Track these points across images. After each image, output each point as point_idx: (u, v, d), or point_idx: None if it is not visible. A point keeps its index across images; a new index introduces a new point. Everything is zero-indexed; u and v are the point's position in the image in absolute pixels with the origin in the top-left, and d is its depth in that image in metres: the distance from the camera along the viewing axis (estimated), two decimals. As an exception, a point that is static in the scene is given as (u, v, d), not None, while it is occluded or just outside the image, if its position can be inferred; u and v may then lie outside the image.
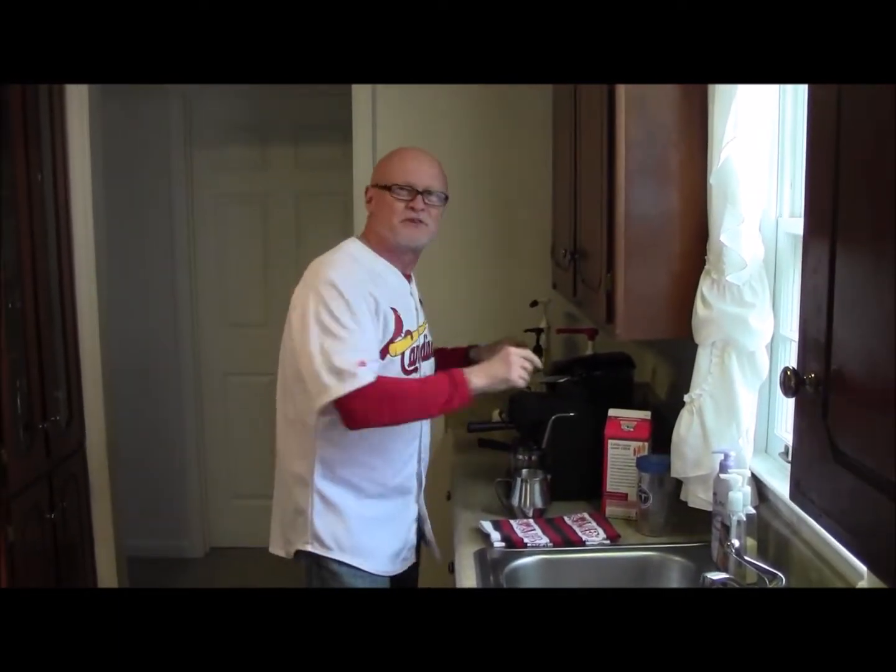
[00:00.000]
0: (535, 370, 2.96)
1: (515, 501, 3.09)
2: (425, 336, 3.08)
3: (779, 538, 2.50)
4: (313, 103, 5.69)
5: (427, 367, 3.06)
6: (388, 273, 2.94)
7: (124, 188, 5.56)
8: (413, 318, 2.98)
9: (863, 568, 1.90)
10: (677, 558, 2.73)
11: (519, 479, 3.11)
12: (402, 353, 2.90)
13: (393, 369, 2.86)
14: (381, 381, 2.71)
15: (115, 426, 4.90)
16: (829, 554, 2.19)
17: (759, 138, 2.47)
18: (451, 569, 2.99)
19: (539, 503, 3.09)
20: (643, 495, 2.91)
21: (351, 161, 4.68)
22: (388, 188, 2.88)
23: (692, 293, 2.64)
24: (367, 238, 2.99)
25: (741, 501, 2.44)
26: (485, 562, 2.75)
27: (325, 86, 5.28)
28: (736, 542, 2.36)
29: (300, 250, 5.69)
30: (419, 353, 3.00)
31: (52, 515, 4.08)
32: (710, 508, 2.62)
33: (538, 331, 4.38)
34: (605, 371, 3.67)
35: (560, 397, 3.45)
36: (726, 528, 2.43)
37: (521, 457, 3.20)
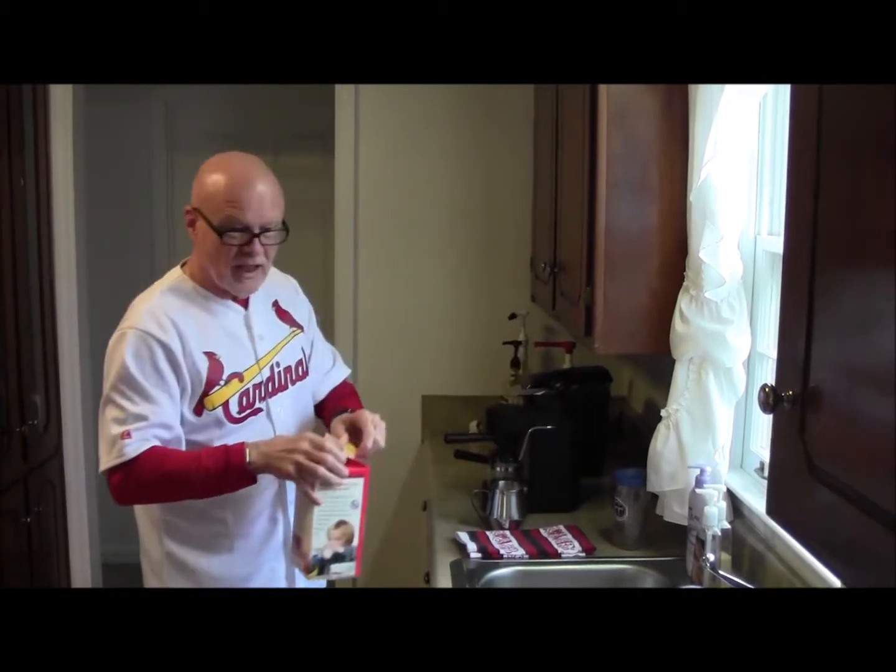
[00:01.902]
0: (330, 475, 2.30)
1: (492, 513, 3.10)
2: (276, 365, 2.58)
3: (753, 553, 2.52)
4: (294, 112, 5.71)
5: (288, 400, 2.60)
6: (211, 309, 2.51)
7: (106, 194, 5.54)
8: (246, 352, 2.52)
9: (837, 583, 1.92)
10: (652, 572, 2.75)
11: (496, 491, 3.12)
12: (226, 402, 2.45)
13: (215, 424, 2.45)
14: (147, 456, 2.33)
15: (93, 431, 4.88)
16: (802, 569, 2.21)
17: (740, 157, 2.50)
18: (427, 579, 3.00)
19: (515, 515, 3.10)
20: (619, 508, 2.92)
21: (331, 170, 4.69)
22: (216, 228, 2.37)
23: (671, 308, 2.67)
24: (192, 266, 2.54)
25: (716, 516, 2.46)
26: (461, 572, 2.77)
27: (305, 95, 5.29)
28: (711, 557, 2.38)
29: (280, 259, 5.66)
30: (262, 391, 2.52)
31: (28, 520, 4.07)
32: (685, 523, 2.64)
33: (516, 343, 4.40)
34: (583, 384, 3.70)
35: (537, 410, 3.47)
36: (701, 543, 2.45)
37: (497, 468, 3.21)
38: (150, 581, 2.61)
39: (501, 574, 2.78)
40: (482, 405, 3.82)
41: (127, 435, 2.32)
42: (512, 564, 2.82)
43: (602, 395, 3.77)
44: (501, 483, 3.14)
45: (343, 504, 2.34)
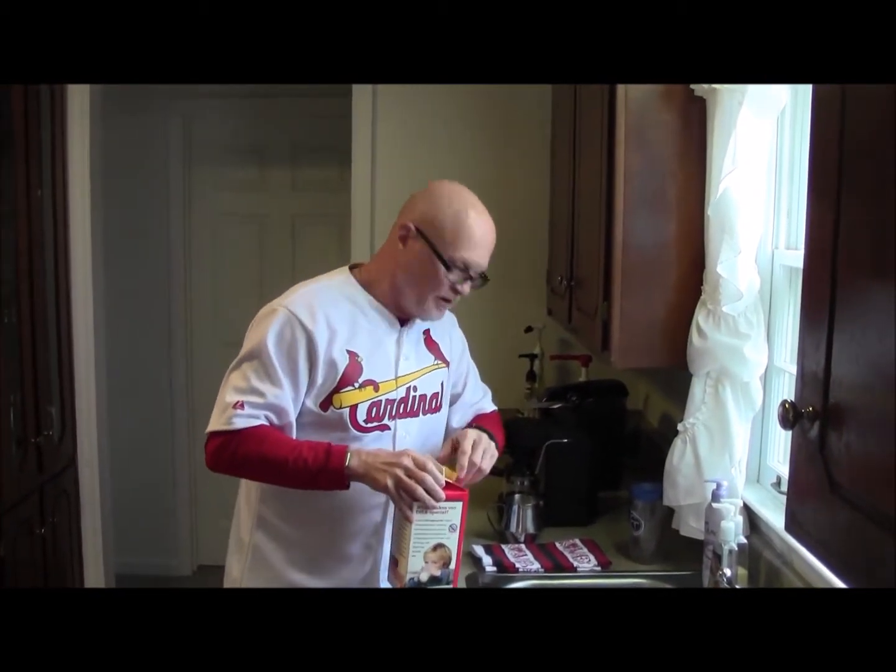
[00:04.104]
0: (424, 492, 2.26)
1: (508, 526, 3.10)
2: (413, 388, 2.56)
3: (770, 568, 2.51)
4: (311, 125, 5.73)
5: (415, 428, 2.57)
6: (368, 314, 2.51)
7: (122, 206, 5.56)
8: (388, 365, 2.51)
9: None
10: (668, 586, 2.74)
11: (512, 505, 3.12)
12: (355, 406, 2.45)
13: (339, 425, 2.44)
14: (251, 432, 2.36)
15: (108, 443, 4.90)
16: (819, 584, 2.20)
17: (757, 170, 2.49)
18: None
19: (531, 528, 3.10)
20: (635, 522, 2.92)
21: (348, 184, 4.70)
22: (445, 261, 2.42)
23: (687, 323, 2.66)
24: (369, 273, 2.57)
25: (733, 531, 2.45)
26: (476, 586, 2.77)
27: (322, 107, 5.31)
28: (727, 571, 2.37)
29: (296, 271, 5.70)
30: (393, 408, 2.51)
31: (43, 531, 4.08)
32: (701, 537, 2.63)
33: (532, 356, 4.40)
34: (599, 398, 3.69)
35: (554, 423, 3.47)
36: (718, 557, 2.44)
37: (514, 482, 3.20)
38: (232, 562, 2.67)
39: (517, 588, 2.77)
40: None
41: (240, 405, 2.36)
42: (527, 578, 2.81)
43: (618, 408, 3.76)
44: (517, 496, 3.13)
45: (441, 527, 2.32)
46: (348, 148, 4.67)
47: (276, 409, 2.40)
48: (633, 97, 2.65)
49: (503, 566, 2.86)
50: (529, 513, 3.11)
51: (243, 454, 2.37)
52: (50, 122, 4.24)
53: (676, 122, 2.68)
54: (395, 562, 2.39)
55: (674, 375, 3.22)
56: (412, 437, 2.54)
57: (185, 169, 5.93)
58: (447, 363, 2.69)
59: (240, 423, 2.36)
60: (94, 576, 4.75)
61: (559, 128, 3.95)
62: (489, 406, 2.87)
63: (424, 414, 2.60)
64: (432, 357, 2.64)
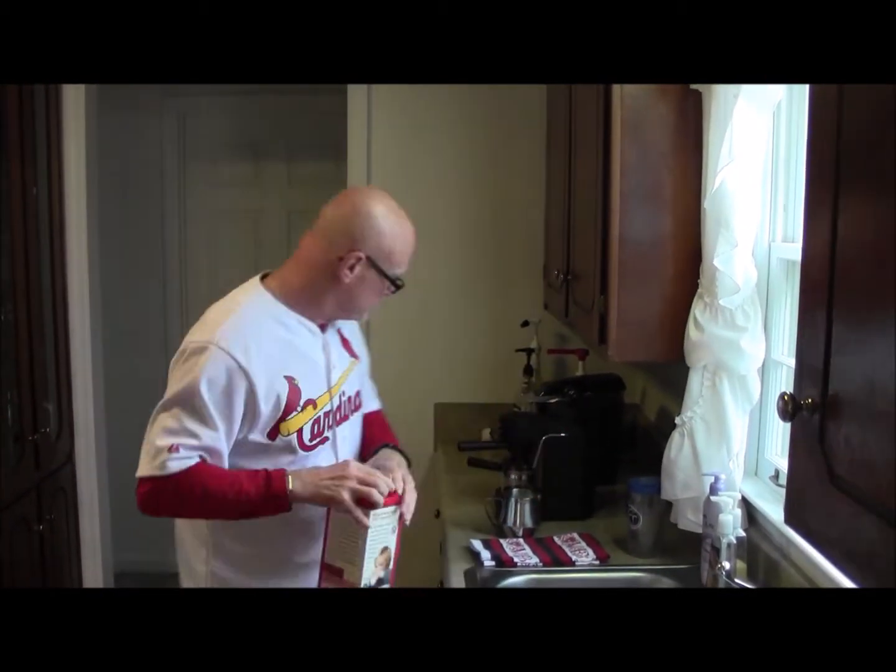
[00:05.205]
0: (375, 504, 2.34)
1: (505, 521, 3.10)
2: (342, 394, 2.58)
3: (768, 561, 2.51)
4: (306, 121, 5.72)
5: (348, 430, 2.61)
6: (293, 330, 2.47)
7: (118, 203, 5.56)
8: (321, 379, 2.50)
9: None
10: (667, 580, 2.74)
11: (509, 499, 3.11)
12: (300, 429, 2.43)
13: (287, 450, 2.41)
14: (187, 473, 2.29)
15: (105, 439, 4.89)
16: (818, 577, 2.20)
17: (754, 163, 2.49)
18: (441, 587, 2.99)
19: (529, 523, 3.10)
20: (633, 516, 2.92)
21: (343, 179, 4.69)
22: (389, 278, 2.47)
23: (685, 316, 2.66)
24: (287, 285, 2.50)
25: (731, 524, 2.45)
26: (474, 581, 2.76)
27: (318, 104, 5.30)
28: (726, 565, 2.37)
29: (292, 267, 5.71)
30: (330, 419, 2.52)
31: (41, 528, 4.07)
32: (700, 531, 2.63)
33: (529, 351, 4.39)
34: (596, 392, 3.69)
35: (551, 418, 3.47)
36: (716, 551, 2.44)
37: (511, 476, 3.20)
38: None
39: (515, 582, 2.77)
40: (495, 413, 3.81)
41: (175, 449, 2.28)
42: (526, 572, 2.81)
43: (615, 402, 3.76)
44: (515, 491, 3.13)
45: (387, 531, 2.41)
46: (344, 144, 4.66)
47: (211, 450, 2.33)
48: (629, 91, 2.65)
49: (501, 561, 2.86)
50: (527, 507, 3.11)
51: (181, 496, 2.32)
52: (45, 120, 4.23)
53: (672, 115, 2.67)
54: (337, 571, 2.40)
55: (671, 369, 3.22)
56: (347, 440, 2.61)
57: (180, 165, 5.92)
58: (358, 358, 2.72)
59: (174, 466, 2.29)
60: (92, 573, 4.74)
61: (555, 122, 3.94)
62: (375, 404, 2.92)
63: (352, 414, 2.64)
64: (348, 356, 2.66)
